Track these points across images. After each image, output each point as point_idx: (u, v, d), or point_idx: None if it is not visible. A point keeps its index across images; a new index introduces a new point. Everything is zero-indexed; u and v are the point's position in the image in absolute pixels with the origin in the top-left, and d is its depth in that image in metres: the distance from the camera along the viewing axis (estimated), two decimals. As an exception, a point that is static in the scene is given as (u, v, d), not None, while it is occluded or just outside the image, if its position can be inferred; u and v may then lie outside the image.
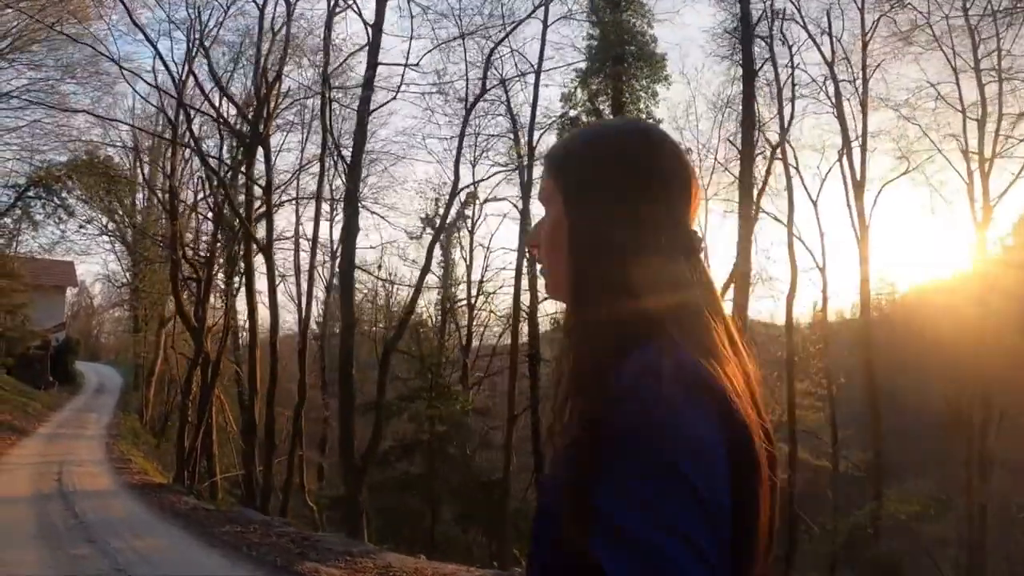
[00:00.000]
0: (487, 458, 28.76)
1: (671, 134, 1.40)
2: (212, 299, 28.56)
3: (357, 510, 18.85)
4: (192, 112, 24.45)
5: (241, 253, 26.02)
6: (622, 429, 1.07)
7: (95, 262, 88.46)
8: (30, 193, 32.94)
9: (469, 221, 37.17)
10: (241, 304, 28.00)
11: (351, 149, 21.55)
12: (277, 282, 26.16)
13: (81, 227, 34.99)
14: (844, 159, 28.72)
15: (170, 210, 25.65)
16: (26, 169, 32.87)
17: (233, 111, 25.88)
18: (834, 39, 28.10)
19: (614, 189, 1.27)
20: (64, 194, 33.48)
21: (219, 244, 27.45)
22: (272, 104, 24.25)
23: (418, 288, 25.14)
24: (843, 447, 27.97)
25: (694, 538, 0.99)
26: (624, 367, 1.12)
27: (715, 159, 27.56)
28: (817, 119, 28.63)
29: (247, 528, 13.64)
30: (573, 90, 28.31)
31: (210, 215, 28.09)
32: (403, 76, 21.81)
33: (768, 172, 26.77)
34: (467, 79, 25.01)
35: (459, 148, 24.66)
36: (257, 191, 26.17)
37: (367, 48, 21.03)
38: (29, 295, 34.23)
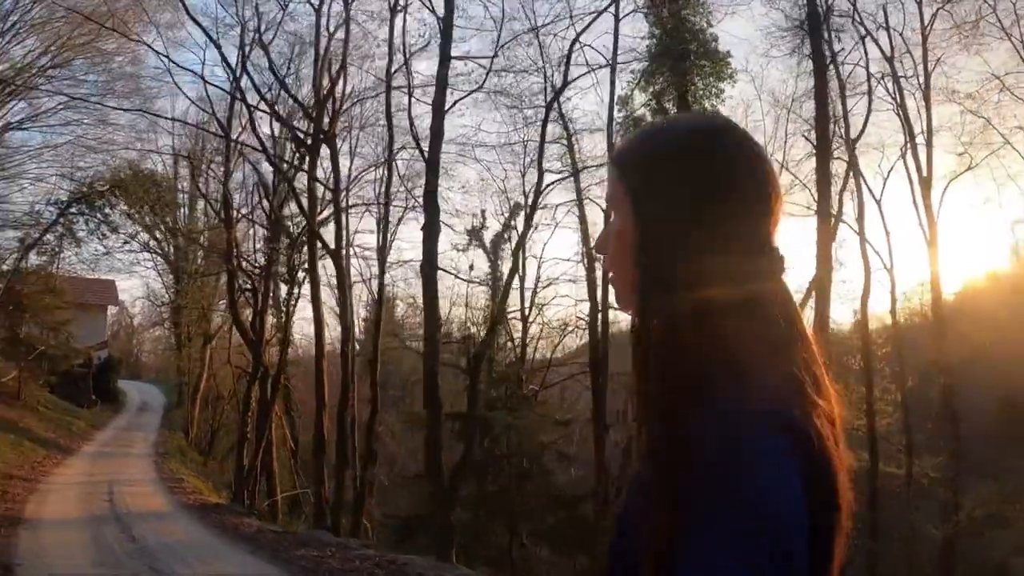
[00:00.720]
0: (563, 472, 27.44)
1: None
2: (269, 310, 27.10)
3: (448, 532, 17.31)
4: (252, 110, 22.95)
5: (302, 261, 24.47)
6: (702, 493, 0.99)
7: (136, 283, 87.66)
8: (72, 209, 31.94)
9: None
10: (300, 314, 26.50)
11: (410, 148, 20.34)
12: (327, 292, 24.87)
13: (125, 243, 33.98)
14: (908, 156, 27.12)
15: (224, 218, 24.33)
16: (68, 185, 32.02)
17: (288, 110, 24.38)
18: (891, 32, 26.55)
19: (681, 189, 1.16)
20: (107, 210, 32.46)
21: (277, 253, 25.92)
22: (337, 102, 22.79)
23: (506, 291, 25.30)
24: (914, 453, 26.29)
25: None
26: (704, 415, 1.04)
27: (783, 161, 26.00)
28: (875, 116, 27.09)
29: (323, 552, 12.27)
30: (631, 92, 27.05)
31: (265, 223, 26.51)
32: (490, 69, 20.64)
33: (847, 176, 25.27)
34: (545, 75, 24.43)
35: (541, 147, 24.19)
36: (307, 197, 24.68)
37: (438, 42, 19.91)
38: (72, 312, 33.15)
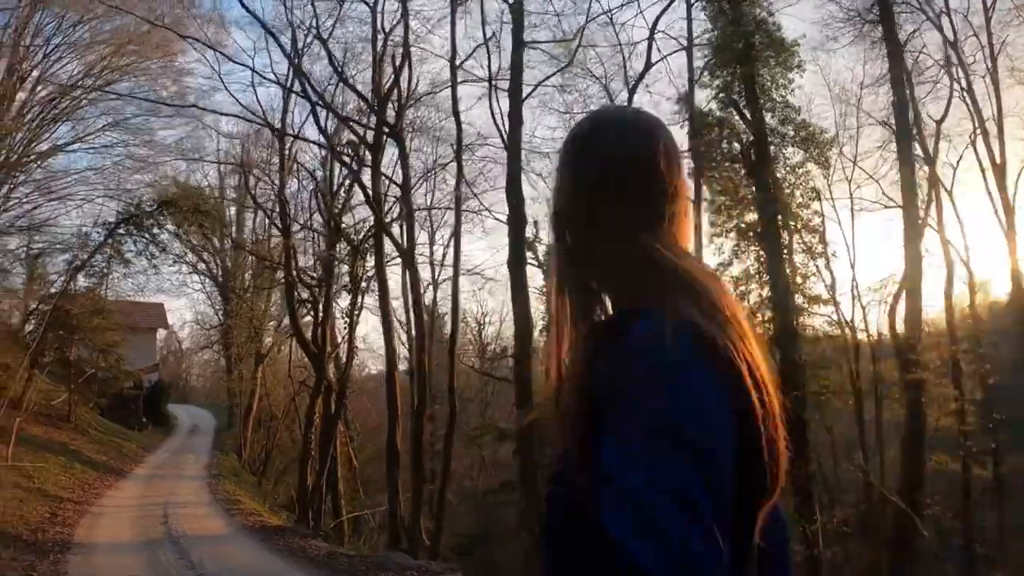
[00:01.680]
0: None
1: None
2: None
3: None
4: (315, 104, 21.40)
5: (367, 270, 22.82)
6: (627, 391, 1.10)
7: (184, 307, 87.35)
8: (120, 230, 30.90)
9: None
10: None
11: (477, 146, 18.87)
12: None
13: (175, 261, 32.91)
14: (979, 143, 25.32)
15: (281, 227, 22.98)
16: (115, 206, 31.06)
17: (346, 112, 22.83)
18: (952, 16, 24.78)
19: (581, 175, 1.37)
20: (155, 230, 31.40)
21: (337, 261, 24.39)
22: (403, 95, 21.27)
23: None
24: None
25: (692, 498, 1.00)
26: (630, 331, 1.16)
27: (855, 155, 24.30)
28: (937, 104, 25.44)
29: (404, 576, 10.71)
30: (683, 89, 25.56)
31: (323, 231, 24.93)
32: (577, 46, 19.16)
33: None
34: (623, 58, 23.42)
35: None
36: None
37: (511, 28, 18.63)
38: (122, 334, 32.05)
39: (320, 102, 21.10)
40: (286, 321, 38.20)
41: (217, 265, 41.60)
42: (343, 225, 23.58)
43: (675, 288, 1.22)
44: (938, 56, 25.43)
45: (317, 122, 21.68)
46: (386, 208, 23.20)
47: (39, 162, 30.00)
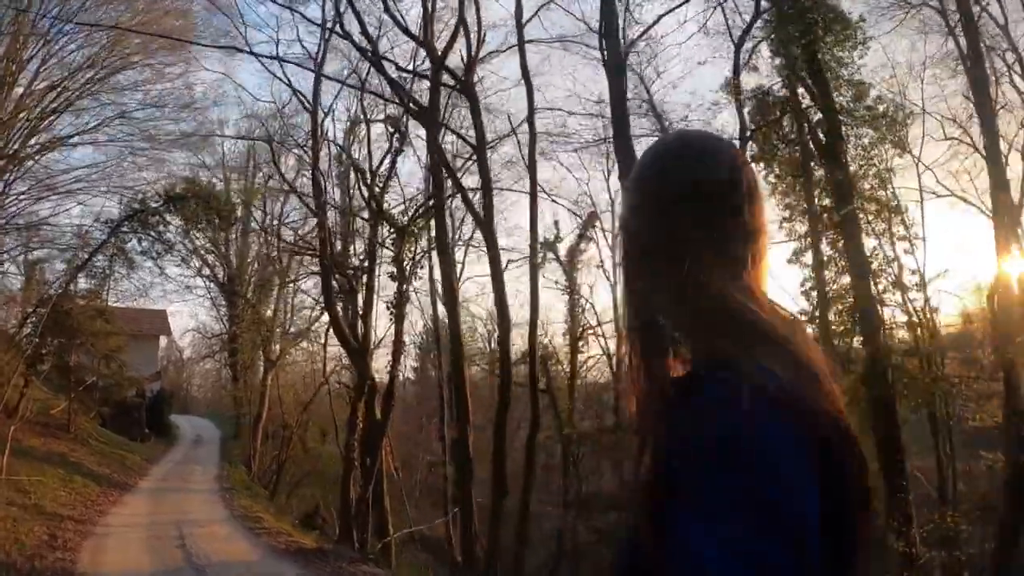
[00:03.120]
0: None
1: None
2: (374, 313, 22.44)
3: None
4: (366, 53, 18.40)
5: (414, 254, 20.07)
6: (704, 458, 1.01)
7: (185, 316, 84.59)
8: (124, 228, 28.37)
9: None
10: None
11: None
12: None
13: (181, 261, 30.46)
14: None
15: (317, 206, 20.44)
16: (119, 204, 28.59)
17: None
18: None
19: (663, 207, 1.24)
20: (161, 227, 28.89)
21: (382, 246, 21.44)
22: (473, 46, 18.29)
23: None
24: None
25: (776, 567, 0.94)
26: (705, 390, 1.09)
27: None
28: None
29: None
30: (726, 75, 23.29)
31: (364, 213, 22.10)
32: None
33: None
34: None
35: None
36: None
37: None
38: (126, 340, 29.51)
39: (369, 52, 18.08)
40: (295, 325, 35.91)
41: (223, 268, 39.06)
42: (385, 205, 20.89)
43: (753, 339, 1.10)
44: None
45: (380, 69, 18.42)
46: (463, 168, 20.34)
47: (38, 156, 27.48)
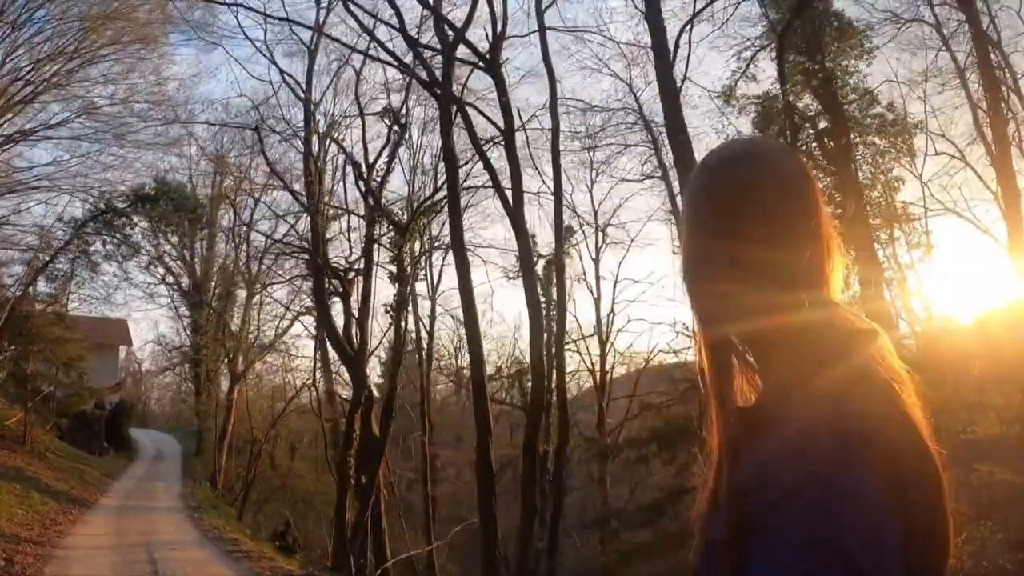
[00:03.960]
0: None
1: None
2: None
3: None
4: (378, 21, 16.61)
5: (415, 254, 18.37)
6: (778, 501, 0.96)
7: (145, 327, 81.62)
8: (88, 229, 26.57)
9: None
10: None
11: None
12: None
13: (148, 265, 28.68)
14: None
15: (308, 200, 18.76)
16: (84, 203, 26.75)
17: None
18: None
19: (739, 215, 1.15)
20: (127, 229, 27.15)
21: (378, 244, 19.79)
22: (500, 21, 16.44)
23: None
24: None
25: None
26: (776, 425, 1.02)
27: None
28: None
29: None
30: (731, 83, 22.42)
31: (361, 211, 20.32)
32: None
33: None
34: None
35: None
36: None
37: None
38: (87, 347, 27.58)
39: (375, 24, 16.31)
40: (264, 335, 34.12)
41: (188, 276, 37.12)
42: (383, 202, 19.28)
43: (828, 357, 1.04)
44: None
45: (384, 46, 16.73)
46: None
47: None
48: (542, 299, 30.81)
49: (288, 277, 28.01)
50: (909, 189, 21.85)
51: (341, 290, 19.02)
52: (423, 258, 19.95)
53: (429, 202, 18.84)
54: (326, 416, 27.13)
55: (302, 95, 18.85)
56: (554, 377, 17.64)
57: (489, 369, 34.69)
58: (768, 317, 1.09)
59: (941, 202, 22.62)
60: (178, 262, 36.48)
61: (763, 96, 21.27)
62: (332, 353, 25.98)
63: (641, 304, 43.30)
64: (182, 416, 52.53)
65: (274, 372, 35.78)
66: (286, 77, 18.81)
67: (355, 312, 18.96)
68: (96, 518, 18.00)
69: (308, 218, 19.78)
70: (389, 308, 18.42)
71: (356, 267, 19.46)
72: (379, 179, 19.37)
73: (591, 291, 29.91)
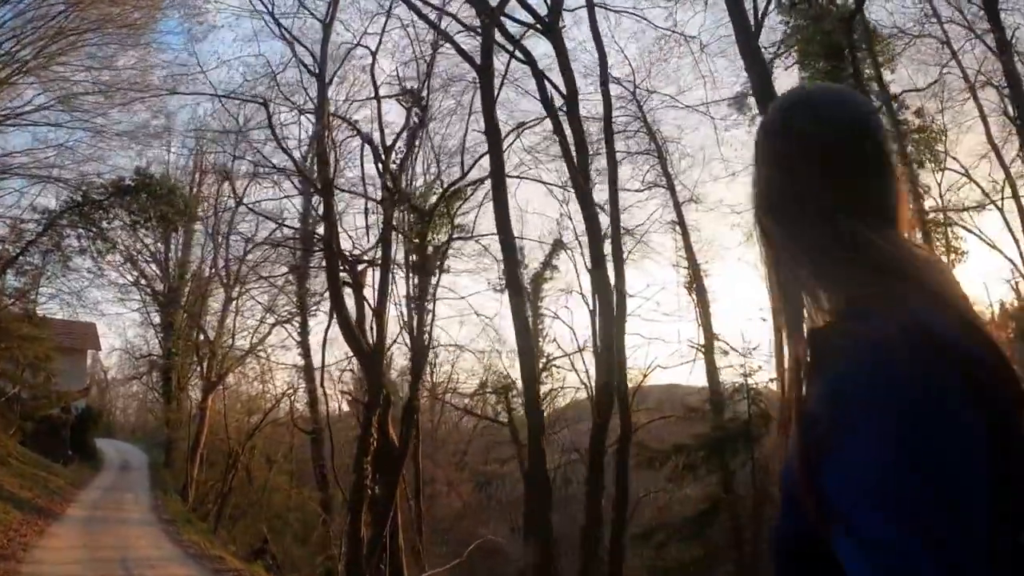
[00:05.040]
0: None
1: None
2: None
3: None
4: None
5: (436, 240, 16.54)
6: (855, 415, 0.92)
7: (113, 332, 78.71)
8: (63, 221, 24.61)
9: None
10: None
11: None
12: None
13: (125, 262, 26.78)
14: None
15: (320, 181, 16.99)
16: (56, 197, 24.83)
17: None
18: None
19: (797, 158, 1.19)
20: (104, 223, 25.19)
21: (397, 232, 17.86)
22: None
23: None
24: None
25: (949, 544, 0.84)
26: (849, 338, 0.99)
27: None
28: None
29: None
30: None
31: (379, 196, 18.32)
32: None
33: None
34: None
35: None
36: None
37: None
38: (55, 346, 25.58)
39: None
40: (242, 344, 32.18)
41: (162, 280, 35.11)
42: (404, 187, 17.48)
43: (897, 281, 1.04)
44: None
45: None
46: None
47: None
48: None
49: (279, 273, 26.09)
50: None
51: (352, 281, 17.28)
52: (446, 248, 18.16)
53: (453, 185, 17.15)
54: (306, 427, 25.39)
55: (315, 68, 17.16)
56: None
57: (473, 384, 33.21)
58: (837, 248, 1.08)
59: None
60: (152, 265, 34.52)
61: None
62: (316, 360, 24.33)
63: (634, 319, 41.69)
64: (148, 427, 50.24)
65: (251, 381, 33.72)
66: (297, 48, 17.17)
67: (368, 305, 17.17)
68: (64, 530, 16.09)
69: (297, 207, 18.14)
70: (411, 300, 16.68)
71: (372, 257, 17.75)
72: (397, 163, 17.72)
73: (586, 303, 28.46)
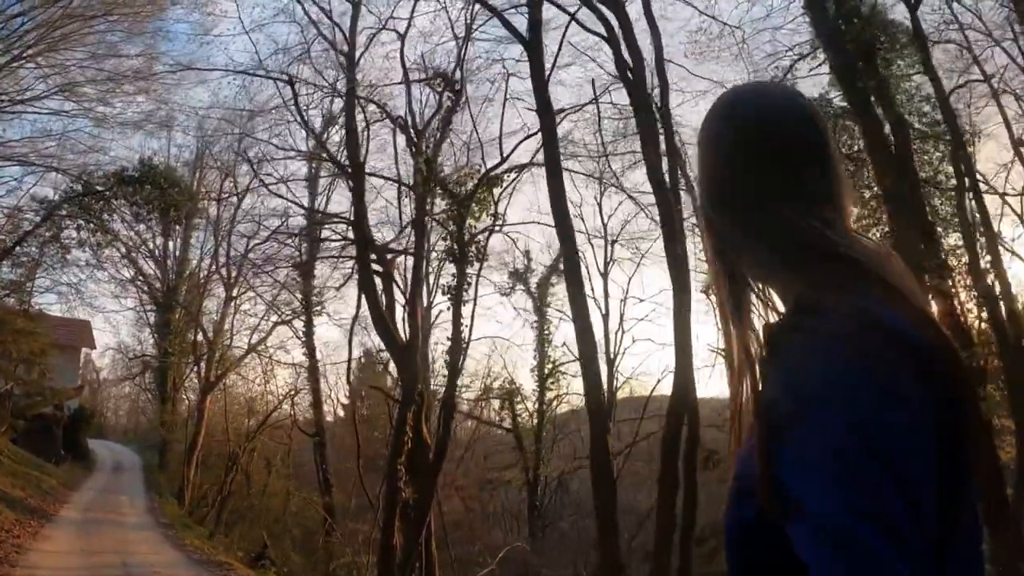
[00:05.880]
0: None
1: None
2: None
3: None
4: None
5: (472, 226, 15.37)
6: (809, 402, 0.93)
7: (107, 331, 77.38)
8: (62, 211, 23.51)
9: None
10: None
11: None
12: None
13: (124, 257, 25.74)
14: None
15: (351, 164, 15.89)
16: (54, 188, 23.74)
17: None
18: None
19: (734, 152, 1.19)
20: (104, 215, 24.10)
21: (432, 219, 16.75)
22: None
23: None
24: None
25: (895, 523, 0.85)
26: (802, 329, 1.00)
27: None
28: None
29: None
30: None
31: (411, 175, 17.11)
32: None
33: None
34: None
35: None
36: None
37: None
38: (50, 342, 24.42)
39: None
40: (240, 345, 31.08)
41: (160, 279, 34.00)
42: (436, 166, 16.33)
43: (847, 272, 1.04)
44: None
45: None
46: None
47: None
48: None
49: (282, 266, 24.97)
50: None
51: (383, 270, 16.14)
52: (489, 236, 17.08)
53: (492, 171, 16.06)
54: (308, 430, 24.30)
55: (345, 43, 16.08)
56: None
57: (475, 388, 32.24)
58: (783, 240, 1.09)
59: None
60: (150, 262, 33.44)
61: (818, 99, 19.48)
62: (320, 355, 23.26)
63: (647, 324, 40.83)
64: (140, 428, 49.10)
65: (251, 382, 32.56)
66: (322, 28, 16.05)
67: (403, 294, 16.05)
68: (59, 532, 15.00)
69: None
70: (448, 290, 15.57)
71: (404, 246, 16.66)
72: (429, 149, 16.63)
73: (599, 307, 27.55)
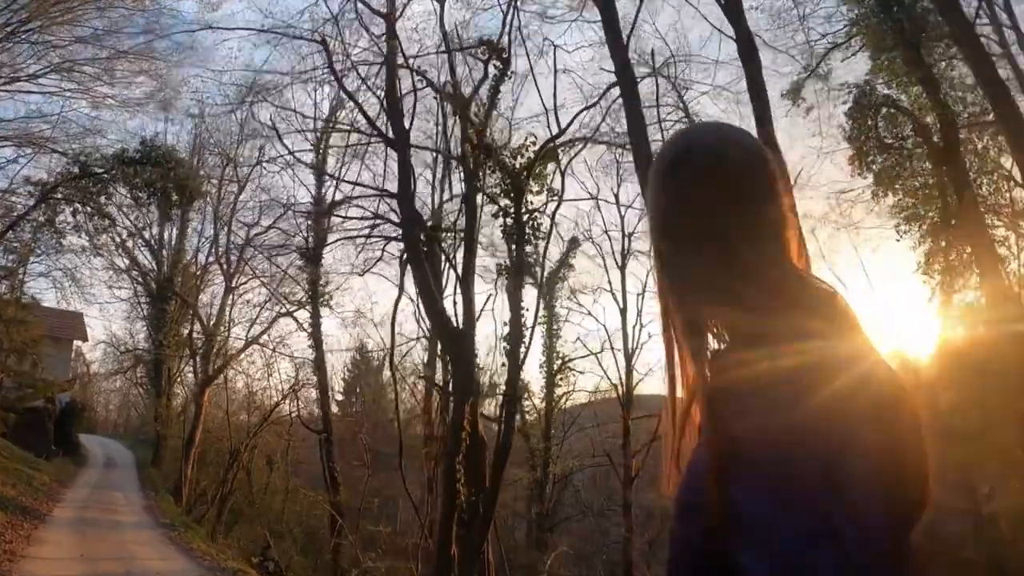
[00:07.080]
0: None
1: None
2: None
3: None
4: None
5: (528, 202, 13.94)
6: (763, 422, 0.94)
7: (98, 324, 75.33)
8: (58, 195, 21.97)
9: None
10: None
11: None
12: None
13: (123, 241, 24.28)
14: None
15: (395, 130, 14.37)
16: (52, 166, 22.17)
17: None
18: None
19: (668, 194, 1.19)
20: (102, 198, 22.58)
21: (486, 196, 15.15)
22: None
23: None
24: None
25: (847, 550, 0.86)
26: (754, 362, 1.00)
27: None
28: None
29: None
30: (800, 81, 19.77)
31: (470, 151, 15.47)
32: None
33: None
34: None
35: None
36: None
37: None
38: (43, 331, 22.89)
39: None
40: (239, 337, 29.56)
41: (155, 268, 32.45)
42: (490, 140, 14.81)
43: (791, 308, 1.06)
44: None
45: None
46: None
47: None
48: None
49: (292, 248, 23.54)
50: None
51: (428, 251, 14.65)
52: (554, 213, 15.58)
53: (553, 140, 14.64)
54: (315, 426, 22.86)
55: (382, 10, 14.58)
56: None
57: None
58: (730, 277, 1.08)
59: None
60: (146, 251, 31.91)
61: (856, 86, 18.39)
62: (325, 348, 21.83)
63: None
64: (131, 423, 47.52)
65: (252, 376, 30.97)
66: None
67: (457, 276, 14.53)
68: (54, 534, 13.56)
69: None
70: (503, 270, 14.15)
71: (455, 225, 15.14)
72: (479, 118, 15.19)
73: (616, 301, 26.29)
